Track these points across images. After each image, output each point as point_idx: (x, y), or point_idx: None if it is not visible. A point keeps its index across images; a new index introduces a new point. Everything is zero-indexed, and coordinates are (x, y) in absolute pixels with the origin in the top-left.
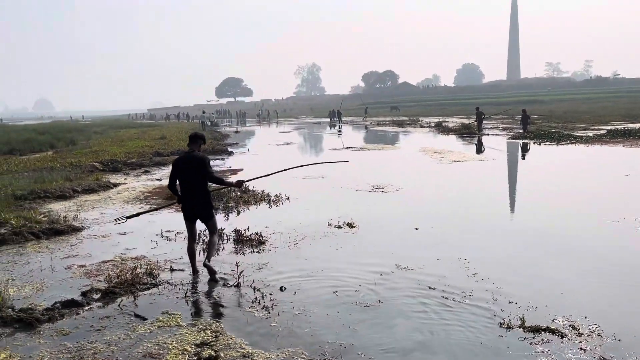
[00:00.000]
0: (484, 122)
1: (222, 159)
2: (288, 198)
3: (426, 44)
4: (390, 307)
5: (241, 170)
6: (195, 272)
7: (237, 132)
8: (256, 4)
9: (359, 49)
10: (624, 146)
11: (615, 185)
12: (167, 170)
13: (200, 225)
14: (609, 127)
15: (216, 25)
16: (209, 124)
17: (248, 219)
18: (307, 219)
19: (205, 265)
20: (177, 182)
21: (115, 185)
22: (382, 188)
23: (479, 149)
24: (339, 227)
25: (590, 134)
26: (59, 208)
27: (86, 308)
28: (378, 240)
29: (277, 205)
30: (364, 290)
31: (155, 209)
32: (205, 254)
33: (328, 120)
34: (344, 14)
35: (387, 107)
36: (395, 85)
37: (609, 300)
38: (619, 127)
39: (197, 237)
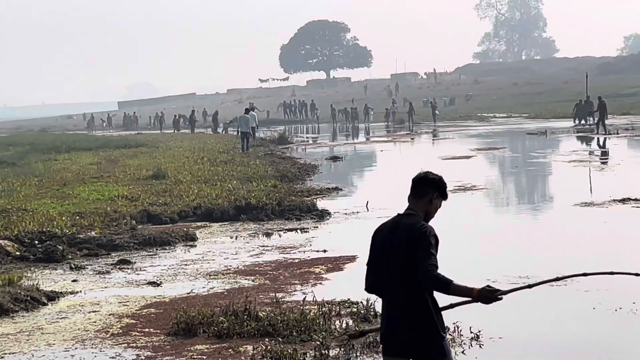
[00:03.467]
0: None
1: (305, 228)
2: (478, 337)
3: None
4: None
5: (353, 258)
6: None
7: (335, 158)
8: None
9: None
10: None
11: None
12: (173, 258)
13: None
14: None
15: None
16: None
17: None
18: None
19: None
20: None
21: (52, 298)
22: None
23: None
24: None
25: None
26: None
27: None
28: None
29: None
30: None
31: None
32: None
33: (572, 123)
34: None
35: None
36: None
37: None
38: None
39: None
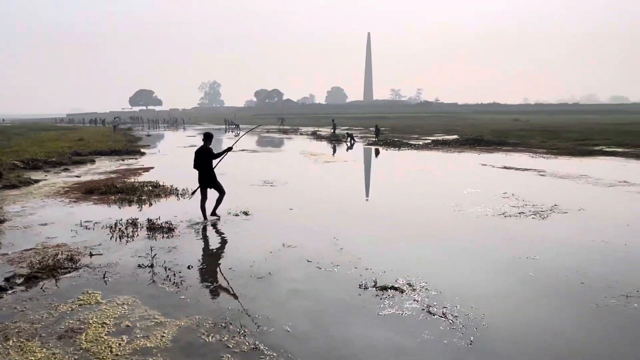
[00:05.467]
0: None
1: (136, 159)
2: (194, 192)
3: (305, 68)
4: (278, 276)
5: (152, 168)
6: (205, 220)
7: (148, 135)
8: (165, 27)
9: (252, 69)
10: (442, 152)
11: (439, 178)
12: (86, 168)
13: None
14: (433, 138)
15: (129, 41)
16: (113, 127)
17: (159, 210)
18: (210, 209)
19: (212, 213)
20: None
21: (36, 181)
22: (272, 183)
23: (345, 152)
24: (237, 215)
25: (421, 143)
26: None
27: (9, 292)
28: (269, 225)
29: (184, 198)
30: (257, 265)
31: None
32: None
33: (224, 127)
34: (238, 39)
35: (275, 119)
36: (281, 101)
37: (435, 264)
38: (439, 138)
39: (207, 198)
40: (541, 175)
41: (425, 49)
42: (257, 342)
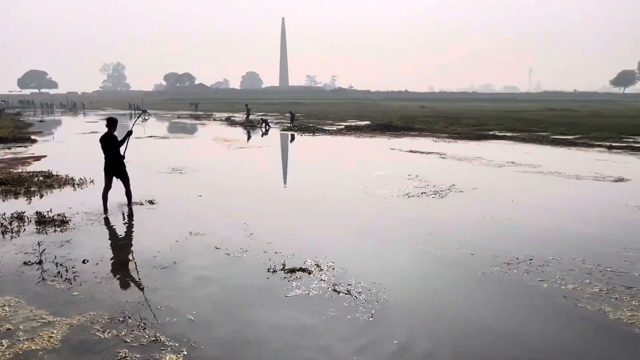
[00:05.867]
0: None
1: (25, 147)
2: (92, 181)
3: (219, 52)
4: (184, 265)
5: (45, 156)
6: (106, 211)
7: (41, 121)
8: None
9: (161, 52)
10: (354, 137)
11: (351, 163)
12: None
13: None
14: (346, 124)
15: (16, 14)
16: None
17: (51, 202)
18: (111, 199)
19: (129, 208)
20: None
21: None
22: (181, 170)
23: (260, 137)
24: (142, 204)
25: (335, 128)
26: None
27: None
28: (175, 213)
29: (82, 188)
30: (161, 255)
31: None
32: (127, 202)
33: (130, 112)
34: (146, 18)
35: (186, 103)
36: (193, 85)
37: (342, 244)
38: (352, 123)
39: (111, 187)
40: (442, 158)
41: (339, 37)
42: (157, 334)
